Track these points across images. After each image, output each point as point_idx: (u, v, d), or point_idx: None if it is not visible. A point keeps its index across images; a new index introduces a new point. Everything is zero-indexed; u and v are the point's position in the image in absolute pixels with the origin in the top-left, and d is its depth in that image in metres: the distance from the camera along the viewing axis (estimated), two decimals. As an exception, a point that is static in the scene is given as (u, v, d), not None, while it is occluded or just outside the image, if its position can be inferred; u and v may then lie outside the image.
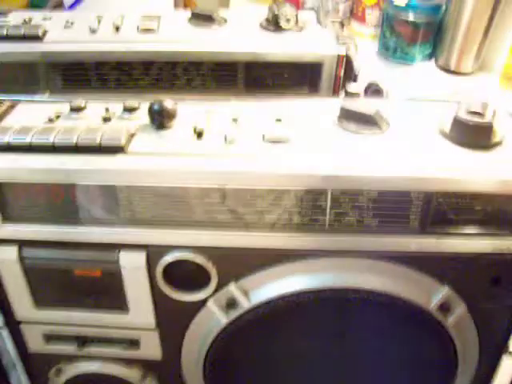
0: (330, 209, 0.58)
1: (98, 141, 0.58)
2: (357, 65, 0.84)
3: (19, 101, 0.70)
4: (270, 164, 0.57)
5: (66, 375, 0.74)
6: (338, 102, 0.64)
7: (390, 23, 1.13)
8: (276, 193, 0.57)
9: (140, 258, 0.62)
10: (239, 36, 0.84)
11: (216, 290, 0.63)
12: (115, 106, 0.65)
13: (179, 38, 0.82)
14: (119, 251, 0.62)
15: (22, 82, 0.81)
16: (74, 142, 0.58)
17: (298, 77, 0.84)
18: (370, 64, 0.95)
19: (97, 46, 0.80)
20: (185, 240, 0.60)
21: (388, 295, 0.61)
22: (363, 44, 1.13)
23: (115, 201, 0.59)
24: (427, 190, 0.57)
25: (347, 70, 0.84)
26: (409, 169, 0.57)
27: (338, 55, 0.81)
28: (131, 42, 0.81)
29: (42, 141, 0.58)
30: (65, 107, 0.65)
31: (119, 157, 0.58)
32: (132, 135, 0.61)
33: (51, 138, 0.58)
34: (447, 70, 1.09)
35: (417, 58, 1.11)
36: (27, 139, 0.58)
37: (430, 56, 1.13)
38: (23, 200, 0.60)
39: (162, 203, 0.58)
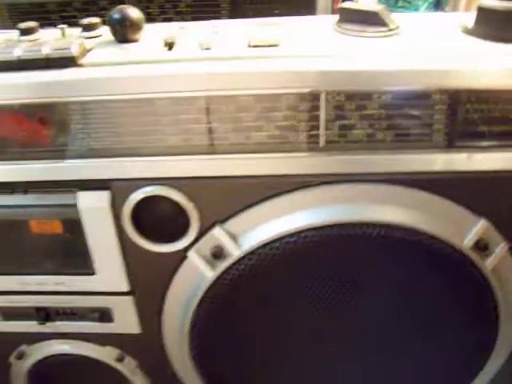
0: (327, 119, 0.46)
1: (44, 52, 0.47)
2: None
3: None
4: (255, 64, 0.46)
5: (30, 359, 0.62)
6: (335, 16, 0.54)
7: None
8: (264, 100, 0.46)
9: (102, 197, 0.51)
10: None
11: (198, 238, 0.52)
12: (76, 29, 0.55)
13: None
14: (77, 191, 0.51)
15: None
16: (16, 55, 0.47)
17: (291, 12, 0.73)
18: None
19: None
20: (155, 171, 0.49)
21: (410, 230, 0.49)
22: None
23: (66, 125, 0.48)
24: (451, 88, 0.45)
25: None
26: (427, 62, 0.45)
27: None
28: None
29: (-24, 57, 0.48)
30: (14, 33, 0.55)
31: (70, 69, 0.47)
32: (88, 50, 0.50)
33: (-13, 54, 0.47)
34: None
35: (420, 7, 1.01)
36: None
37: (435, 4, 1.03)
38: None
39: (124, 124, 0.47)
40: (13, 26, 0.71)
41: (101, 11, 0.72)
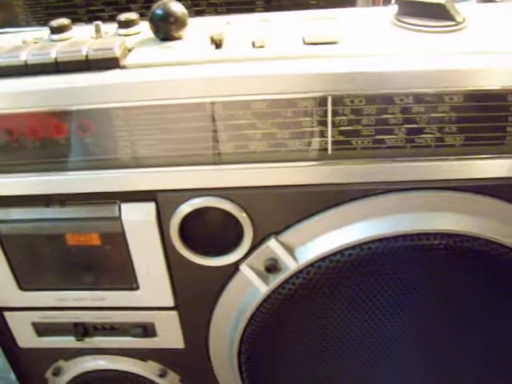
0: (394, 123, 0.43)
1: (83, 53, 0.43)
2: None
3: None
4: (315, 65, 0.42)
5: (66, 375, 0.59)
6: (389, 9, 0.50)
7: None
8: (325, 104, 0.42)
9: (148, 210, 0.47)
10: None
11: (251, 250, 0.48)
12: (109, 25, 0.51)
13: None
14: (120, 203, 0.47)
15: (-2, 25, 0.67)
16: (53, 57, 0.44)
17: (328, 2, 0.69)
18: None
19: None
20: (206, 181, 0.46)
21: (478, 239, 0.46)
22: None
23: (110, 132, 0.44)
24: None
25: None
26: (501, 59, 0.42)
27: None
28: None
29: (10, 59, 0.44)
30: (45, 32, 0.51)
31: (113, 71, 0.43)
32: (129, 50, 0.46)
33: (23, 56, 0.44)
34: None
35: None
36: (-9, 60, 0.44)
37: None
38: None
39: (172, 130, 0.44)
40: (36, 21, 0.68)
41: (128, 4, 0.68)
